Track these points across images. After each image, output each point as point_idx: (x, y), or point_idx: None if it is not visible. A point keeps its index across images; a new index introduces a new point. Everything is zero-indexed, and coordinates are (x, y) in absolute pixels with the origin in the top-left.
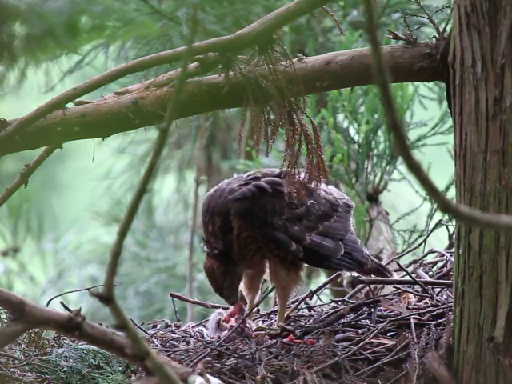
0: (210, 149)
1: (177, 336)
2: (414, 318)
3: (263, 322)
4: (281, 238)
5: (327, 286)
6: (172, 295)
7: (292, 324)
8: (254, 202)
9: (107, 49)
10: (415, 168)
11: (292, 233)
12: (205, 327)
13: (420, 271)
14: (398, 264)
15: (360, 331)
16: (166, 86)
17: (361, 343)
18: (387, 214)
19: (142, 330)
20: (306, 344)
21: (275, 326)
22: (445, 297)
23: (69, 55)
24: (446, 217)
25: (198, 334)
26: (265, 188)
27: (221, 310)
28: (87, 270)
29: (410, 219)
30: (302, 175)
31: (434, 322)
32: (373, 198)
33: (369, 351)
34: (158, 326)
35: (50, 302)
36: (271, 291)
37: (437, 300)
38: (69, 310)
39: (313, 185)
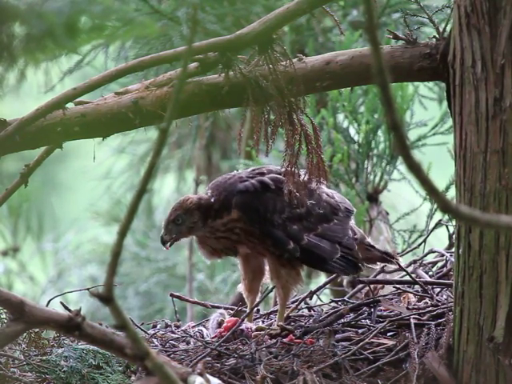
0: (210, 149)
1: (177, 336)
2: (413, 318)
3: (263, 321)
4: (279, 236)
5: (327, 285)
6: (172, 295)
7: (292, 324)
8: (256, 196)
9: (107, 49)
10: (415, 168)
11: (290, 231)
12: (205, 327)
13: (420, 271)
14: (398, 264)
15: (360, 331)
16: (165, 85)
17: (361, 343)
18: (387, 213)
19: (142, 330)
20: (306, 344)
21: (275, 326)
22: (445, 297)
23: (68, 55)
24: (446, 217)
25: (197, 334)
26: (268, 184)
27: (222, 311)
28: (87, 269)
29: (409, 219)
30: (302, 175)
31: (433, 322)
32: (373, 197)
33: (369, 351)
34: (158, 326)
35: (49, 301)
36: (271, 291)
37: (437, 300)
38: (69, 310)
39: (313, 185)
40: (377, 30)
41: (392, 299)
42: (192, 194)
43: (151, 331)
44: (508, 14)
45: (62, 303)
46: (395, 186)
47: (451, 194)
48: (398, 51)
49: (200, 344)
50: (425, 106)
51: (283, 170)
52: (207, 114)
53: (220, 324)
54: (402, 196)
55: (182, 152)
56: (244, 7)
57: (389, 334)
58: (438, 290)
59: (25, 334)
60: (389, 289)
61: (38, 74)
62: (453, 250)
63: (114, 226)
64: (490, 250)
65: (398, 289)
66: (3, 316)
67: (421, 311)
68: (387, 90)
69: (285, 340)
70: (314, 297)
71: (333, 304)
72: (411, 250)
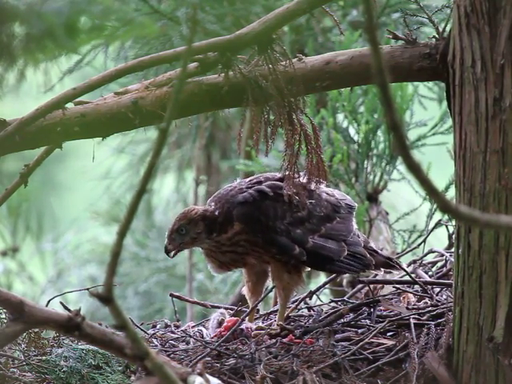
0: (210, 149)
1: (176, 336)
2: (413, 318)
3: (263, 322)
4: (283, 242)
5: (327, 285)
6: (172, 295)
7: (292, 324)
8: (256, 206)
9: (107, 49)
10: (415, 168)
11: (294, 236)
12: (204, 327)
13: (420, 271)
14: (398, 264)
15: (360, 331)
16: (165, 85)
17: (360, 343)
18: (387, 213)
19: (142, 329)
20: (306, 344)
21: (275, 326)
22: (444, 297)
23: (68, 55)
24: (446, 217)
25: (197, 334)
26: (266, 192)
27: (222, 310)
28: (86, 269)
29: (409, 219)
30: (302, 176)
31: (433, 322)
32: (372, 197)
33: (368, 351)
34: (158, 326)
35: (49, 302)
36: (271, 291)
37: (436, 300)
38: (68, 310)
39: (313, 185)
40: (376, 30)
41: (392, 299)
42: (197, 205)
43: (151, 331)
44: (508, 14)
45: (61, 303)
46: (395, 186)
47: (451, 194)
48: (397, 51)
49: (200, 344)
50: (424, 106)
51: (283, 171)
52: (207, 114)
53: (220, 323)
54: (402, 196)
55: (182, 152)
56: (244, 7)
57: (388, 334)
58: (438, 289)
59: (24, 334)
60: (388, 289)
61: (37, 73)
62: (452, 249)
63: (113, 226)
64: (490, 250)
65: (398, 289)
66: (3, 316)
67: (420, 311)
68: (387, 90)
69: (284, 340)
70: (314, 297)
71: (332, 304)
72: (411, 250)
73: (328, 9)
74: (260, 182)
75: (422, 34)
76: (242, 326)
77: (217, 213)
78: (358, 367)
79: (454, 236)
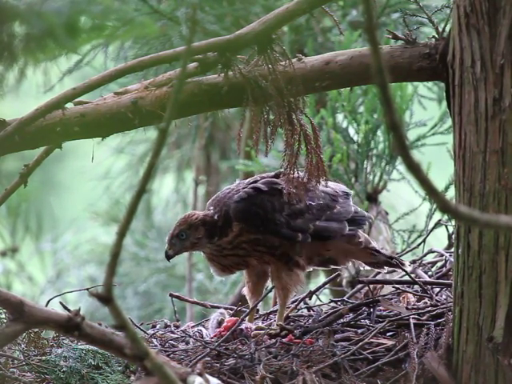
0: (209, 149)
1: (176, 336)
2: (413, 318)
3: (262, 322)
4: (285, 233)
5: (326, 285)
6: (171, 295)
7: (291, 324)
8: (252, 202)
9: (106, 49)
10: (414, 168)
11: (295, 226)
12: (204, 327)
13: (419, 271)
14: (398, 264)
15: (359, 331)
16: (165, 85)
17: (360, 343)
18: (386, 213)
19: (142, 330)
20: (306, 344)
21: (275, 326)
22: (444, 297)
23: (68, 55)
24: (446, 217)
25: (197, 334)
26: (260, 188)
27: (222, 310)
28: (86, 269)
29: (409, 219)
30: (301, 175)
31: (433, 322)
32: (372, 197)
33: (368, 351)
34: (158, 326)
35: (49, 302)
36: (270, 291)
37: (436, 300)
38: (68, 310)
39: (312, 185)
40: (376, 30)
41: (391, 299)
42: (197, 209)
43: (150, 331)
44: (507, 14)
45: (61, 303)
46: (394, 186)
47: (450, 194)
48: (397, 51)
49: (199, 344)
50: (424, 106)
51: (282, 170)
52: (206, 114)
53: (220, 323)
54: (402, 196)
55: (182, 152)
56: (243, 7)
57: (388, 334)
58: (438, 289)
59: (24, 334)
60: (388, 289)
61: (37, 73)
62: (452, 249)
63: (112, 226)
64: (490, 250)
65: (398, 289)
66: (3, 316)
67: (420, 311)
68: (386, 90)
69: (284, 340)
70: (314, 297)
71: (332, 304)
72: (411, 250)
73: (328, 9)
74: (256, 182)
75: (421, 34)
76: (241, 326)
77: (216, 217)
78: (358, 367)
79: (453, 236)
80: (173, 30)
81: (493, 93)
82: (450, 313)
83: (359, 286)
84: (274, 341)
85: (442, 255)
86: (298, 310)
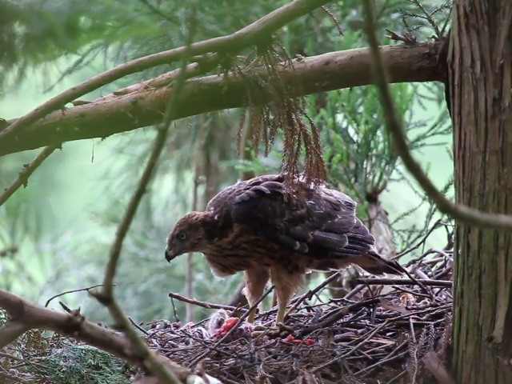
0: (209, 149)
1: (176, 336)
2: (413, 318)
3: (262, 322)
4: (284, 240)
5: (326, 285)
6: (171, 295)
7: (291, 324)
8: (253, 205)
9: (106, 49)
10: (414, 168)
11: (294, 233)
12: (204, 327)
13: (419, 271)
14: (397, 264)
15: (359, 331)
16: (165, 86)
17: (360, 343)
18: (386, 213)
19: (141, 330)
20: (305, 344)
21: (274, 326)
22: (444, 297)
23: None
24: (445, 217)
25: (197, 334)
26: (263, 191)
27: (222, 310)
28: (85, 270)
29: (409, 219)
30: (302, 176)
31: (433, 322)
32: (372, 197)
33: (368, 351)
34: (157, 326)
35: (48, 302)
36: (270, 291)
37: (436, 300)
38: (68, 310)
39: (312, 185)
40: (376, 30)
41: (391, 299)
42: (197, 210)
43: (150, 331)
44: (507, 14)
45: (61, 303)
46: (394, 186)
47: (450, 194)
48: (397, 51)
49: (199, 344)
50: (424, 106)
51: (282, 171)
52: (206, 114)
53: (220, 323)
54: (401, 196)
55: (181, 152)
56: (243, 7)
57: (388, 334)
58: (437, 289)
59: (24, 334)
60: (388, 289)
61: (36, 73)
62: (452, 249)
63: (112, 226)
64: (489, 250)
65: (397, 289)
66: (2, 316)
67: (420, 311)
68: (386, 90)
69: (284, 340)
70: (313, 297)
71: (332, 304)
72: (410, 250)
73: (327, 9)
74: (258, 183)
75: (421, 34)
76: (241, 326)
77: (216, 217)
78: (358, 367)
79: (453, 236)
80: (172, 30)
81: (492, 93)
82: (449, 313)
83: (359, 286)
84: (273, 341)
85: (442, 255)
86: (298, 310)
